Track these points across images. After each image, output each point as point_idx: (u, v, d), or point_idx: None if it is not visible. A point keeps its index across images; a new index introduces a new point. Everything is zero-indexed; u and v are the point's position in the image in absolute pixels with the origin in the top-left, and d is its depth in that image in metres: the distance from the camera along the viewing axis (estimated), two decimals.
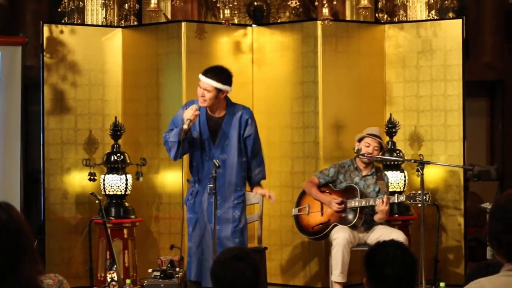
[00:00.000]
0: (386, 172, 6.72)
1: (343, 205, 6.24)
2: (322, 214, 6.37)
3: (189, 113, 5.54)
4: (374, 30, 7.38)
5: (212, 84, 5.56)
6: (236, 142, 5.69)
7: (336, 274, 6.04)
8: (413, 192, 6.21)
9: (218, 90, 5.57)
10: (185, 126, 5.51)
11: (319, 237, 6.40)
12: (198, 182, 5.76)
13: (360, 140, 6.38)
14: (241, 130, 5.70)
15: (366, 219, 6.27)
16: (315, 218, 6.41)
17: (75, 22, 7.39)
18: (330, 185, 6.41)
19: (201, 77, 5.63)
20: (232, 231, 5.64)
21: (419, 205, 6.10)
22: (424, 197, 5.99)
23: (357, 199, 6.21)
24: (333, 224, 6.26)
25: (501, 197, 2.75)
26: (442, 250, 7.07)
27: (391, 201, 6.15)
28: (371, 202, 6.17)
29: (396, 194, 6.26)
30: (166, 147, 5.76)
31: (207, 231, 5.62)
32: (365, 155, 6.31)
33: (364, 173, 6.38)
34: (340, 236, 6.07)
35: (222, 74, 5.64)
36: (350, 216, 6.23)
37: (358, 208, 6.20)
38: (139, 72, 7.33)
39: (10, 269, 2.50)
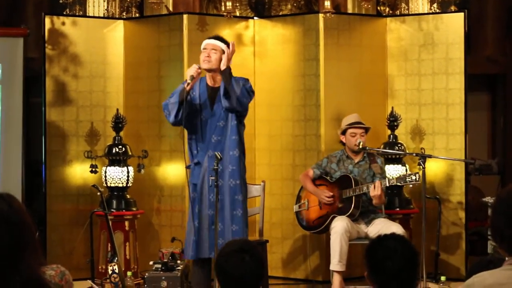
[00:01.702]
0: (387, 166, 6.70)
1: (332, 199, 6.26)
2: (320, 207, 6.38)
3: (191, 70, 5.70)
4: (376, 23, 7.37)
5: (220, 45, 5.78)
6: None
7: (335, 263, 6.03)
8: (404, 173, 6.20)
9: (222, 52, 5.76)
10: (188, 80, 5.64)
11: (320, 230, 6.41)
12: (198, 151, 5.80)
13: (343, 133, 6.40)
14: None
15: (364, 210, 6.26)
16: (314, 212, 6.43)
17: (77, 13, 7.38)
18: (327, 177, 6.42)
19: (209, 40, 5.84)
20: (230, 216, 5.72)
21: (410, 185, 6.09)
22: (414, 177, 5.99)
23: (351, 188, 6.22)
24: (332, 216, 6.27)
25: (504, 191, 2.76)
26: (443, 244, 7.06)
27: (383, 185, 6.12)
28: (364, 189, 6.16)
29: (387, 178, 6.22)
30: (166, 112, 5.79)
31: (204, 204, 5.68)
32: (367, 148, 6.34)
33: (356, 160, 6.40)
34: (338, 225, 6.07)
35: (224, 40, 5.88)
36: (347, 206, 6.24)
37: (354, 197, 6.20)
38: (140, 64, 7.33)
39: (12, 261, 2.50)
